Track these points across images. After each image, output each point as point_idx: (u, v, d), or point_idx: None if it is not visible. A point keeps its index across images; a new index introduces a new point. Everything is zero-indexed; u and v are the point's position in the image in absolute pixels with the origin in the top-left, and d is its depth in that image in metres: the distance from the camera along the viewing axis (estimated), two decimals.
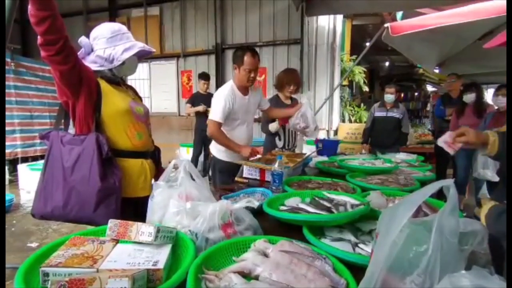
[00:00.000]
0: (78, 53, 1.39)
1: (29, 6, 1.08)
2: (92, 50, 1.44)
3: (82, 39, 1.42)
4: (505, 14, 2.28)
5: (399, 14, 4.10)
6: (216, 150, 2.38)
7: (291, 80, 2.77)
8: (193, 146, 5.04)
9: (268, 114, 2.63)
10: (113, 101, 1.43)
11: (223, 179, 2.34)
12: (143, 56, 1.60)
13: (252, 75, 2.19)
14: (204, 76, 4.83)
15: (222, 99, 2.18)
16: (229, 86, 2.26)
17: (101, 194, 1.31)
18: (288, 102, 2.88)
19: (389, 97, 3.86)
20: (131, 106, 1.49)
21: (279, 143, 2.82)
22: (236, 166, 2.23)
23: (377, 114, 3.98)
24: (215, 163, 2.41)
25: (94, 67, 1.43)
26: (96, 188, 1.30)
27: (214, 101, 2.24)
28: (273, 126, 2.76)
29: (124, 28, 1.49)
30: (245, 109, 2.33)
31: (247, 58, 2.15)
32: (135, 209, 1.47)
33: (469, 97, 3.47)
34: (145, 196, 1.47)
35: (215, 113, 2.19)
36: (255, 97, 2.42)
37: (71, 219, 1.34)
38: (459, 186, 3.62)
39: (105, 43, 1.42)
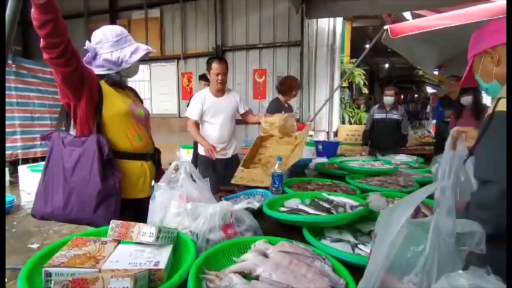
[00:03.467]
0: (84, 58, 1.40)
1: (32, 10, 1.09)
2: (96, 54, 1.45)
3: (88, 44, 1.44)
4: (505, 15, 2.30)
5: (408, 15, 4.11)
6: (199, 146, 2.75)
7: (298, 86, 3.17)
8: (193, 148, 5.03)
9: (243, 117, 2.87)
10: (114, 103, 1.44)
11: (202, 173, 2.52)
12: (143, 58, 1.62)
13: (219, 77, 2.56)
14: (205, 78, 4.82)
15: (195, 100, 2.66)
16: (203, 91, 2.72)
17: (101, 195, 1.32)
18: (286, 105, 3.15)
19: (389, 99, 3.86)
20: (132, 108, 1.51)
21: None
22: (212, 160, 2.60)
23: (377, 116, 3.99)
24: (198, 159, 2.80)
25: (101, 71, 1.45)
26: (96, 189, 1.30)
27: (190, 103, 2.71)
28: None
29: (125, 30, 1.51)
30: (216, 110, 2.65)
31: (214, 64, 2.55)
32: (134, 210, 1.48)
33: (466, 99, 3.47)
34: (144, 198, 1.49)
35: (191, 112, 2.66)
36: (231, 99, 2.73)
37: (71, 219, 1.34)
38: None
39: (111, 46, 1.43)
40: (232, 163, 2.73)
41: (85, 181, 1.31)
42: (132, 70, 1.55)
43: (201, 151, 2.72)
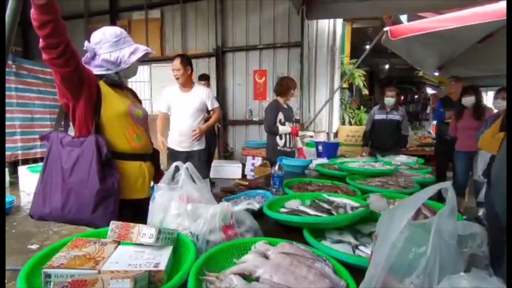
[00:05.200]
0: (83, 58, 1.40)
1: (32, 10, 1.08)
2: (95, 55, 1.45)
3: (87, 45, 1.44)
4: (505, 17, 2.30)
5: (404, 17, 4.12)
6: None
7: (295, 85, 3.18)
8: None
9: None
10: (113, 104, 1.44)
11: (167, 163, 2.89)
12: (141, 58, 1.61)
13: (175, 73, 2.82)
14: (204, 78, 4.71)
15: (164, 94, 2.97)
16: (171, 87, 2.97)
17: (100, 196, 1.31)
18: (286, 106, 3.16)
19: (390, 99, 3.85)
20: (131, 109, 1.50)
21: (280, 142, 3.06)
22: (176, 152, 2.92)
23: (377, 116, 3.98)
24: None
25: (100, 71, 1.45)
26: (95, 189, 1.30)
27: (160, 98, 3.01)
28: (284, 129, 3.03)
29: (124, 31, 1.51)
30: (180, 104, 2.89)
31: (172, 62, 2.85)
32: (133, 211, 1.48)
33: (468, 100, 3.46)
34: (143, 198, 1.49)
35: (159, 105, 3.02)
36: (197, 95, 2.92)
37: (69, 220, 1.34)
38: (458, 188, 3.62)
39: (110, 47, 1.43)
40: (193, 157, 2.91)
41: (84, 182, 1.31)
42: (131, 71, 1.55)
43: (169, 142, 3.00)
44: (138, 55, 1.49)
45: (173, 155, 2.94)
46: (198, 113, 2.91)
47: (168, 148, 2.99)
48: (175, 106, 2.90)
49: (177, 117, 2.93)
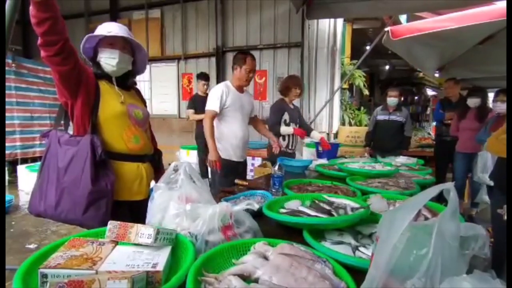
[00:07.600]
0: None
1: (30, 7, 1.08)
2: None
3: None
4: (505, 18, 2.29)
5: (403, 18, 4.12)
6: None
7: (296, 83, 3.01)
8: (198, 148, 4.84)
9: (252, 122, 2.77)
10: (110, 104, 1.42)
11: (222, 178, 2.42)
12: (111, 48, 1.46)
13: (251, 75, 2.46)
14: (204, 77, 4.50)
15: (218, 91, 2.42)
16: (224, 83, 2.52)
17: (92, 196, 1.30)
18: (292, 106, 3.07)
19: (393, 100, 3.84)
20: (129, 109, 1.48)
21: (283, 143, 2.98)
22: (234, 163, 2.50)
23: (380, 117, 3.96)
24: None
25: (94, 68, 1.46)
26: (87, 190, 1.29)
27: (210, 95, 2.48)
28: (285, 130, 2.94)
29: (112, 24, 1.46)
30: (240, 105, 2.51)
31: (249, 60, 2.42)
32: (130, 213, 1.46)
33: (474, 101, 3.48)
34: (140, 200, 1.47)
35: (212, 103, 2.41)
36: (249, 98, 2.65)
37: (62, 220, 1.33)
38: (457, 189, 3.61)
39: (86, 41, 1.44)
40: (245, 166, 2.73)
41: (77, 182, 1.30)
42: (104, 63, 1.44)
43: (222, 154, 2.45)
44: (84, 40, 1.41)
45: (233, 167, 2.50)
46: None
47: (222, 160, 2.40)
48: (233, 107, 2.46)
49: (237, 121, 2.50)
